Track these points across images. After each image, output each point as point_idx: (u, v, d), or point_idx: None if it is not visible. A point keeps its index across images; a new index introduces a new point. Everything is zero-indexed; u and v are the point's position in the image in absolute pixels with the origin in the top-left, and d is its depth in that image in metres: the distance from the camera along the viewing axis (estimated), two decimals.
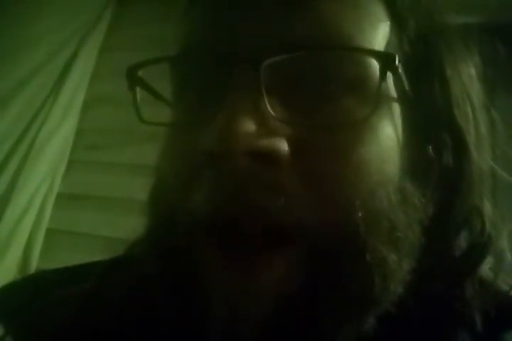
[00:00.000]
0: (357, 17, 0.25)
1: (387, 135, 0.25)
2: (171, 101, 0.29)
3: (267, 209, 0.22)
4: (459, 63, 0.29)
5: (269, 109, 0.23)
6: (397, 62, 0.24)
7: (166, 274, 0.25)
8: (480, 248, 0.27)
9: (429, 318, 0.25)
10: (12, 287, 0.36)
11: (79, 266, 0.37)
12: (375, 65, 0.24)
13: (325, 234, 0.22)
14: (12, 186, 1.12)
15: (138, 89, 0.27)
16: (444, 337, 0.26)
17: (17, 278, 0.45)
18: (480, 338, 0.26)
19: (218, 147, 0.21)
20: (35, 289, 0.34)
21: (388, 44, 0.26)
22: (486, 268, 0.28)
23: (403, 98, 0.26)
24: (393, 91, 0.26)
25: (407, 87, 0.26)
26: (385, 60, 0.24)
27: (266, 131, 0.22)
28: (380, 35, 0.25)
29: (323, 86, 0.24)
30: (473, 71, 0.30)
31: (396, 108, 0.26)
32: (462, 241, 0.28)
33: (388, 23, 0.26)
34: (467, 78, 0.29)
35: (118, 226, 0.79)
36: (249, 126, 0.22)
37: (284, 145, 0.22)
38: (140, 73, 0.27)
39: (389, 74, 0.24)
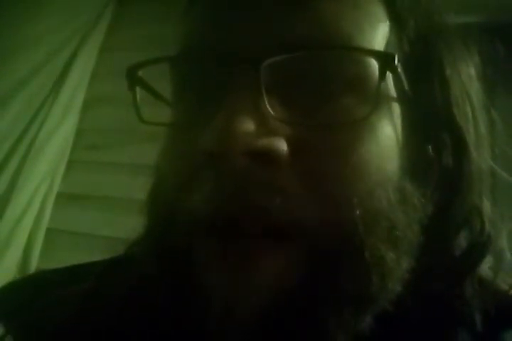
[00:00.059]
0: (356, 17, 0.25)
1: (387, 134, 0.25)
2: (170, 101, 0.29)
3: (267, 209, 0.22)
4: (458, 63, 0.29)
5: (269, 108, 0.23)
6: (396, 61, 0.24)
7: (166, 274, 0.25)
8: (479, 247, 0.27)
9: (429, 317, 0.25)
10: (12, 287, 0.36)
11: (79, 266, 0.37)
12: (374, 64, 0.24)
13: (324, 234, 0.22)
14: (12, 186, 1.12)
15: (138, 89, 0.27)
16: (443, 337, 0.26)
17: (17, 277, 0.45)
18: (480, 337, 0.26)
19: (218, 147, 0.21)
20: (35, 289, 0.34)
21: (388, 44, 0.26)
22: (485, 267, 0.28)
23: (403, 98, 0.26)
24: (393, 91, 0.26)
25: (406, 86, 0.26)
26: (385, 59, 0.24)
27: (265, 130, 0.22)
28: (379, 35, 0.25)
29: (322, 86, 0.24)
30: (472, 71, 0.30)
31: (396, 107, 0.26)
32: (462, 240, 0.28)
33: (388, 23, 0.26)
34: (467, 78, 0.29)
35: (118, 226, 0.79)
36: (249, 125, 0.22)
37: (283, 145, 0.22)
38: (140, 73, 0.27)
39: (388, 74, 0.24)
